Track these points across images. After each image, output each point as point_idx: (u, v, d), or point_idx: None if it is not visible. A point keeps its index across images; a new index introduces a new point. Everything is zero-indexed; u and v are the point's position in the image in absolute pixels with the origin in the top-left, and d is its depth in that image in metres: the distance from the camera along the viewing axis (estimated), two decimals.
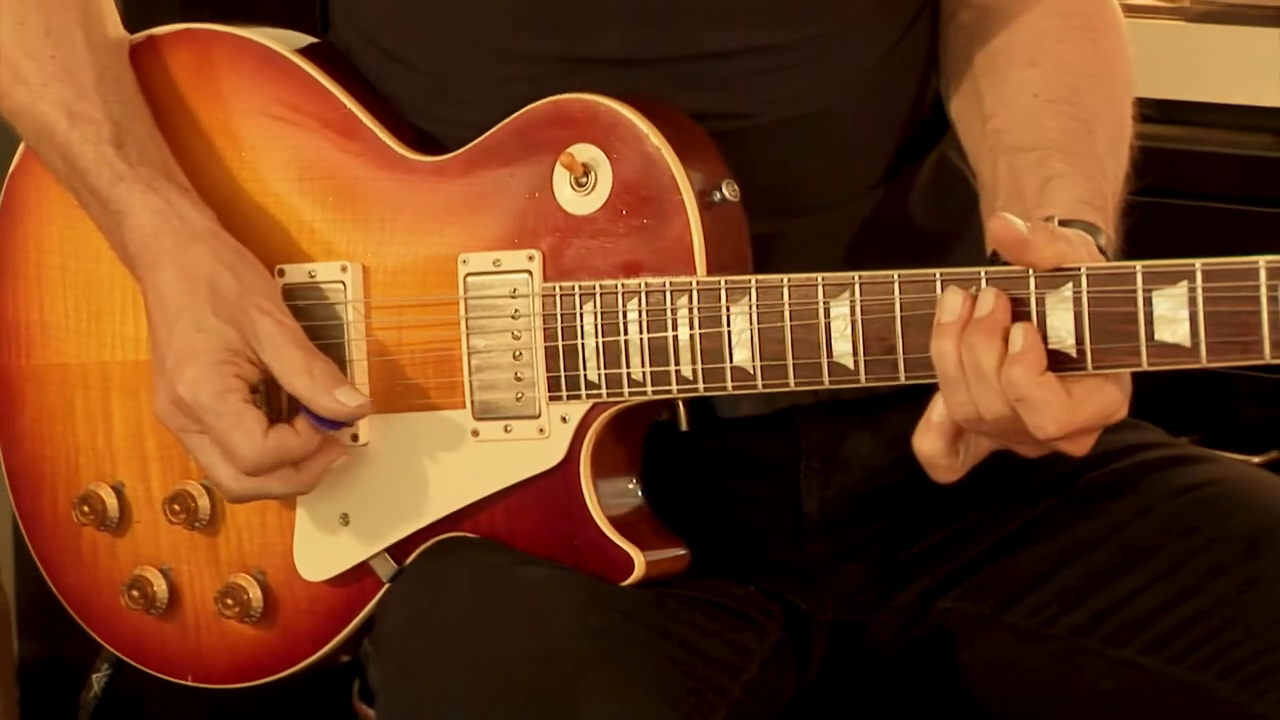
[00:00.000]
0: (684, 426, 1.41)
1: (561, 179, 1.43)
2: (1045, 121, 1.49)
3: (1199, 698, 1.43)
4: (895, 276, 1.31)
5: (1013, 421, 1.27)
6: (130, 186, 1.49)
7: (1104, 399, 1.28)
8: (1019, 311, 1.29)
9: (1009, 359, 1.25)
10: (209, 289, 1.46)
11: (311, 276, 1.50)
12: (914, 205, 1.57)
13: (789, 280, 1.37)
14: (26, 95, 1.55)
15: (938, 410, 1.28)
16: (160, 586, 1.58)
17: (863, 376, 1.33)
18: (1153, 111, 1.69)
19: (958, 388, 1.28)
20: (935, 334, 1.28)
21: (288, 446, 1.43)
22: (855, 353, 1.34)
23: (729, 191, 1.40)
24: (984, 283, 1.29)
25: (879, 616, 1.55)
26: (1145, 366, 1.24)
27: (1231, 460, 1.66)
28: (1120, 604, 1.47)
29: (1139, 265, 1.25)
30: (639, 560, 1.41)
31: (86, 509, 1.59)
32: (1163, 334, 1.25)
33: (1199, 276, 1.23)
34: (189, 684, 1.61)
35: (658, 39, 1.49)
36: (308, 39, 1.61)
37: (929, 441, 1.30)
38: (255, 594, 1.55)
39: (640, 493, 1.48)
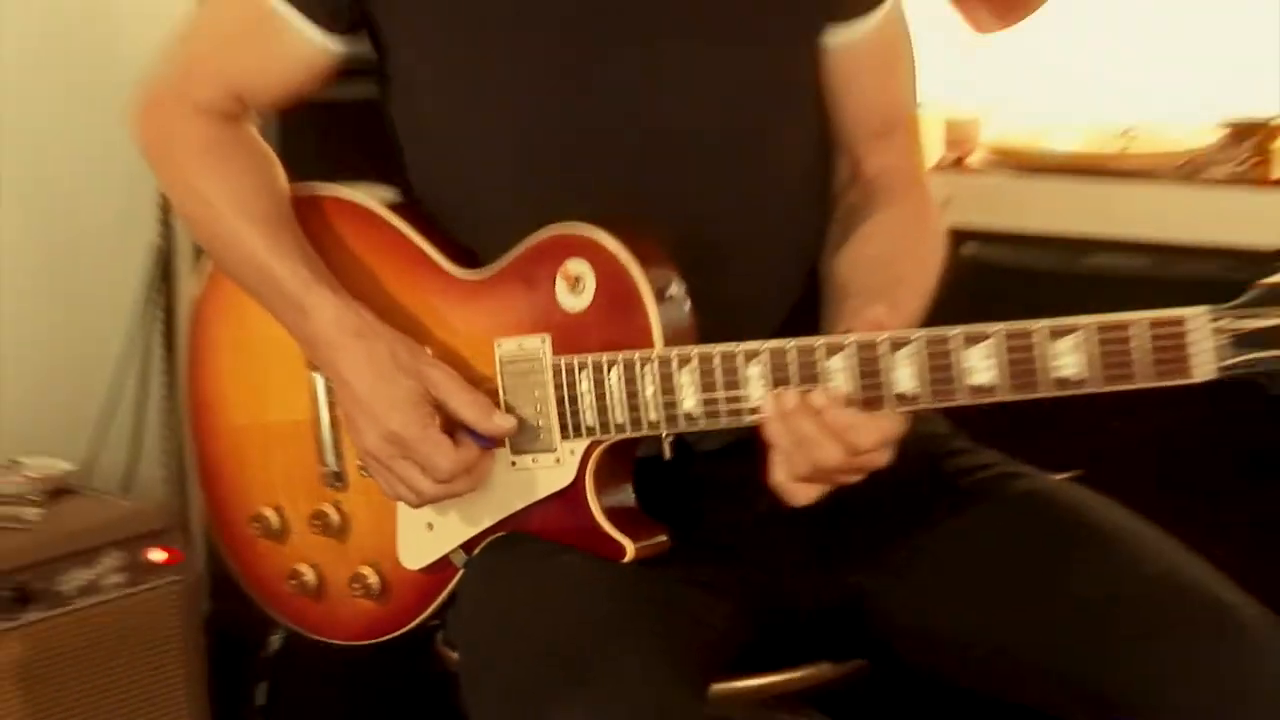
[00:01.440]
0: (667, 457, 1.58)
1: (561, 286, 1.63)
2: (876, 281, 1.69)
3: (1020, 646, 1.60)
4: (791, 344, 1.49)
5: (839, 464, 1.45)
6: (319, 292, 1.67)
7: (894, 422, 1.45)
8: (872, 370, 1.48)
9: (832, 403, 1.44)
10: (390, 358, 1.65)
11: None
12: (801, 303, 1.76)
13: (719, 350, 1.52)
14: (230, 229, 1.74)
15: (776, 463, 1.47)
16: (310, 577, 1.80)
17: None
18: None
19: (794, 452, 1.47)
20: (766, 410, 1.49)
21: (466, 459, 1.61)
22: (777, 406, 1.51)
23: (677, 290, 1.60)
24: (849, 341, 1.48)
25: (807, 587, 1.72)
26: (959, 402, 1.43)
27: (1047, 475, 1.78)
28: (963, 573, 1.65)
29: (957, 329, 1.42)
30: (630, 547, 1.58)
31: (257, 524, 1.82)
32: (977, 379, 1.43)
33: (1002, 335, 1.41)
34: (333, 642, 1.83)
35: (655, 210, 1.65)
36: (391, 193, 1.82)
37: (778, 475, 1.49)
38: (374, 580, 1.75)
39: (632, 497, 1.64)
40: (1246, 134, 2.43)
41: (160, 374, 2.77)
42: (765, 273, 1.78)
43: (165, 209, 2.67)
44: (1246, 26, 2.75)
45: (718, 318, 1.61)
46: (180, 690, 2.46)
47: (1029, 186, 2.59)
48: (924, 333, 1.47)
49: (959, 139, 2.66)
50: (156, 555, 2.41)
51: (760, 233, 1.78)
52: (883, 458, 1.48)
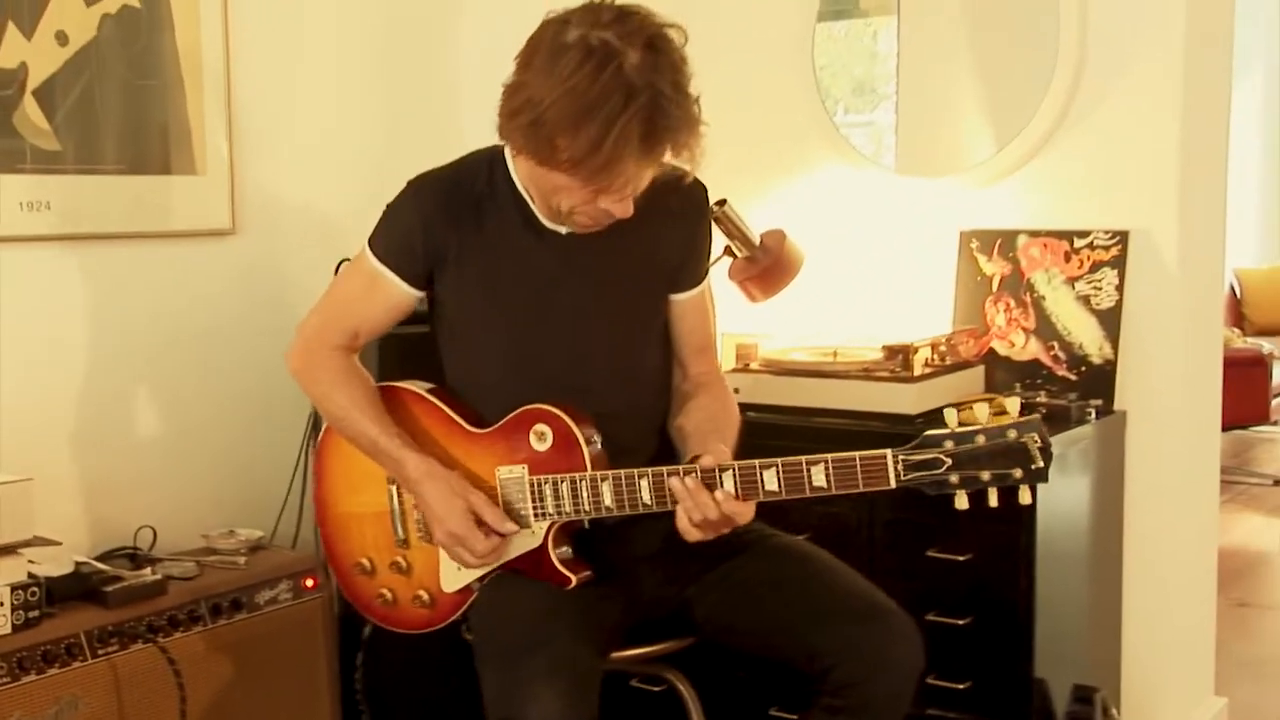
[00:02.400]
0: (585, 527, 2.19)
1: (533, 437, 2.17)
2: (703, 430, 2.24)
3: (783, 626, 2.17)
4: (658, 471, 2.08)
5: (715, 523, 2.02)
6: (406, 452, 2.20)
7: (749, 507, 2.04)
8: (750, 480, 2.02)
9: (723, 499, 2.01)
10: (449, 488, 2.17)
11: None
12: (662, 448, 2.29)
13: (624, 473, 2.10)
14: (354, 420, 2.27)
15: (679, 518, 2.04)
16: (390, 596, 2.34)
17: (654, 507, 2.09)
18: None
19: (687, 512, 2.03)
20: (680, 501, 2.03)
21: (493, 544, 2.15)
22: (651, 501, 2.09)
23: (596, 439, 2.16)
24: (689, 473, 2.03)
25: (661, 598, 2.28)
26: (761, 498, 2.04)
27: (791, 534, 2.36)
28: (743, 589, 2.21)
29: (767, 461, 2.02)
30: (572, 579, 2.17)
31: (358, 568, 2.38)
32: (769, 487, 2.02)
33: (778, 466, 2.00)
34: (400, 631, 2.39)
35: (580, 389, 2.20)
36: (425, 384, 2.36)
37: (683, 523, 2.06)
38: (426, 597, 2.29)
39: (571, 551, 2.20)
40: (897, 351, 2.98)
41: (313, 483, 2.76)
42: (639, 428, 2.30)
43: None
44: (900, 298, 3.38)
45: (614, 453, 2.16)
46: (322, 656, 2.91)
47: (785, 381, 3.07)
48: (781, 460, 2.01)
49: (745, 354, 3.13)
50: (309, 582, 2.88)
51: (635, 405, 2.30)
52: (744, 520, 2.04)
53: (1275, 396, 6.71)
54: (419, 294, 2.27)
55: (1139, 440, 3.16)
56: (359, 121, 3.42)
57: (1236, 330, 7.41)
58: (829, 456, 1.99)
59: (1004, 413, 2.83)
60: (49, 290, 2.82)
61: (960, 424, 1.97)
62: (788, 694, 3.00)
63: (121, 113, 2.90)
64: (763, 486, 2.02)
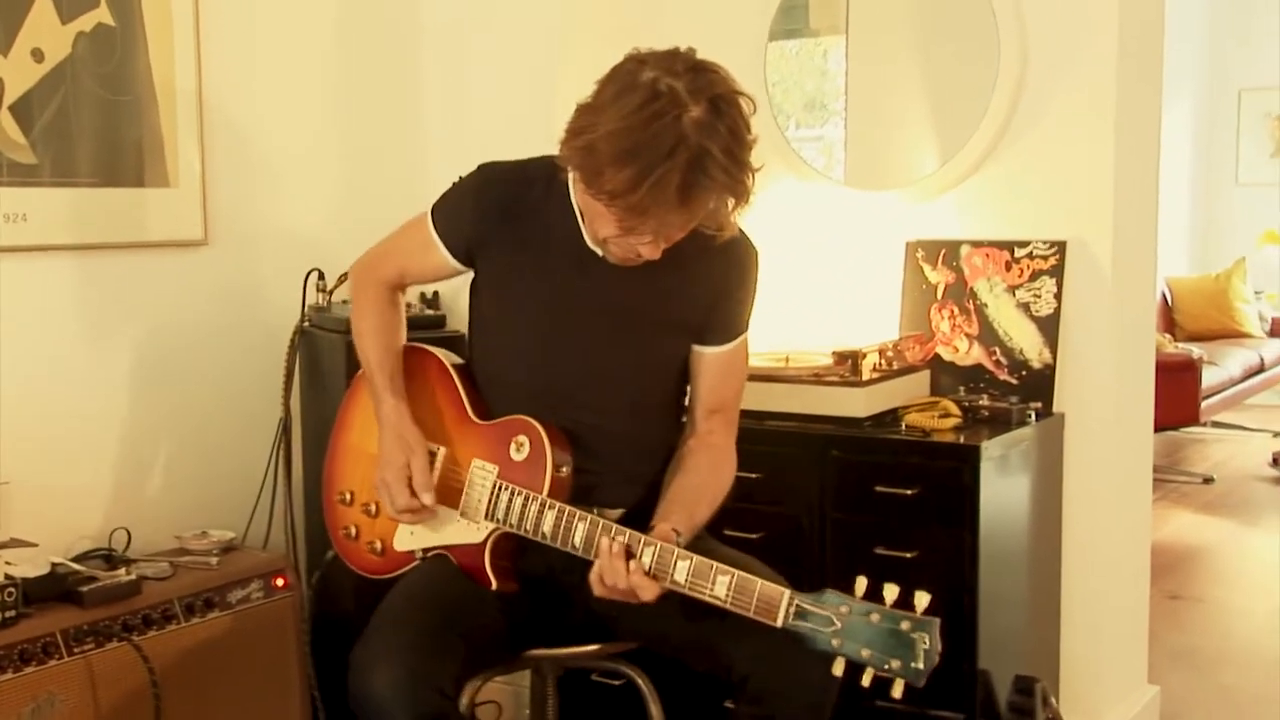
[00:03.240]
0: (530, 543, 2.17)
1: (513, 446, 2.21)
2: (685, 496, 2.21)
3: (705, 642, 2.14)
4: (595, 521, 2.09)
5: (621, 591, 2.01)
6: (387, 393, 2.29)
7: (653, 588, 2.02)
8: (664, 566, 2.02)
9: (634, 570, 2.00)
10: (399, 441, 2.24)
11: (432, 452, 2.27)
12: (647, 495, 2.25)
13: (568, 510, 2.12)
14: (365, 350, 2.34)
15: (591, 572, 2.04)
16: (353, 531, 2.40)
17: (580, 552, 2.10)
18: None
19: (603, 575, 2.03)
20: (599, 557, 2.04)
21: (411, 503, 2.21)
22: (580, 545, 2.11)
23: (566, 469, 2.17)
24: (642, 543, 2.02)
25: (590, 611, 2.25)
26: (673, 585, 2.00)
27: (714, 543, 2.29)
28: (656, 604, 2.08)
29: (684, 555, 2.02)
30: (494, 584, 2.20)
31: (339, 497, 2.43)
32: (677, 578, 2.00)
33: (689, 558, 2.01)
34: (351, 567, 2.44)
35: (578, 407, 2.23)
36: (458, 361, 2.40)
37: (594, 579, 2.06)
38: (379, 546, 2.35)
39: (508, 561, 2.23)
40: (847, 356, 3.01)
41: (283, 481, 3.17)
42: (640, 456, 2.29)
43: (287, 390, 3.12)
44: (849, 306, 3.41)
45: (593, 487, 2.19)
46: (293, 652, 2.93)
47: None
48: (695, 558, 2.00)
49: None
50: (279, 582, 2.90)
51: (637, 436, 2.30)
52: (646, 598, 2.02)
53: (1204, 399, 6.76)
54: (463, 267, 2.32)
55: (1076, 441, 3.20)
56: (327, 137, 3.43)
57: (1168, 336, 7.49)
58: (735, 572, 1.97)
59: (949, 415, 2.93)
60: (26, 299, 2.82)
61: (864, 596, 1.90)
62: None
63: (96, 128, 2.90)
64: (672, 575, 2.01)
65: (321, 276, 3.12)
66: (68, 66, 2.86)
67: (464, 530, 2.24)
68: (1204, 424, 7.12)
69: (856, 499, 2.79)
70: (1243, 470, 6.98)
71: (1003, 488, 2.93)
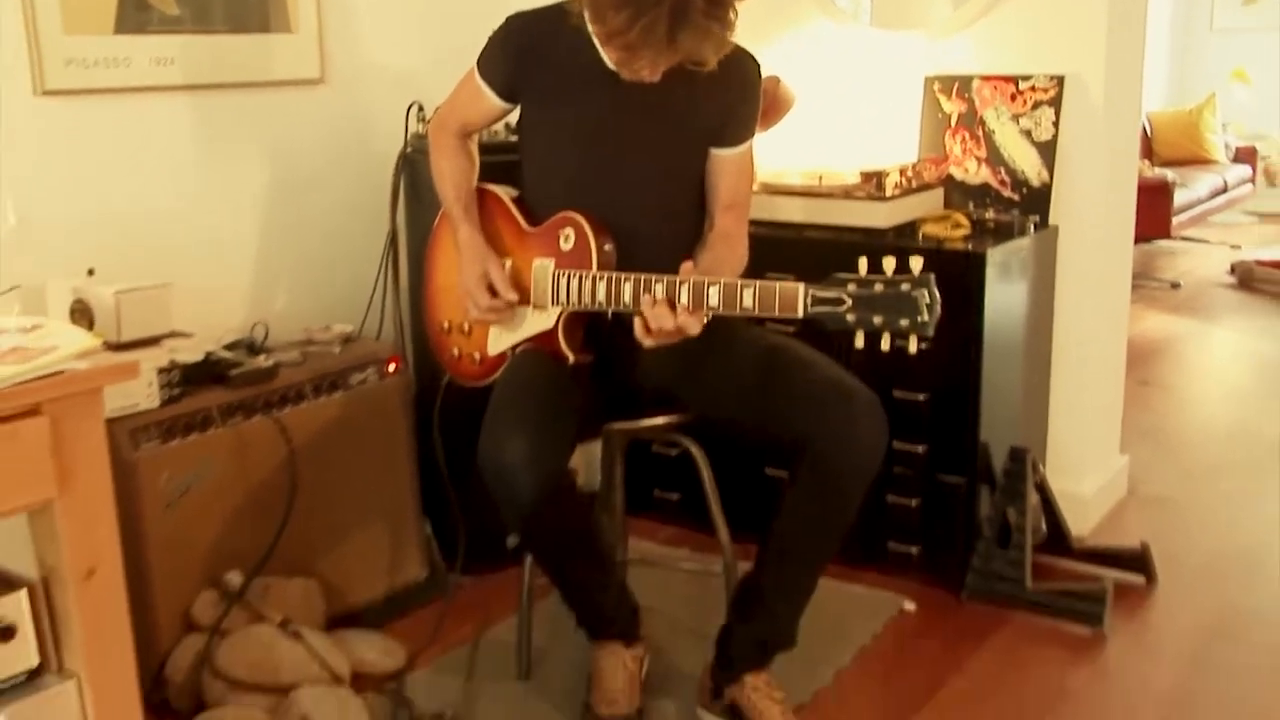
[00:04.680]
0: (609, 318, 2.19)
1: (562, 238, 2.21)
2: (706, 265, 2.18)
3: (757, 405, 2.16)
4: (637, 279, 2.05)
5: (668, 333, 1.99)
6: (465, 225, 2.30)
7: (697, 321, 1.99)
8: (700, 295, 1.97)
9: (681, 310, 1.97)
10: (478, 254, 2.26)
11: (502, 262, 2.28)
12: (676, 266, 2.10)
13: (614, 276, 2.10)
14: (443, 190, 2.36)
15: (636, 327, 2.02)
16: (457, 352, 2.42)
17: (631, 308, 2.06)
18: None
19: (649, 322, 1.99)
20: (644, 306, 2.01)
21: (489, 303, 2.22)
22: (630, 303, 2.07)
23: (609, 248, 2.18)
24: (679, 283, 1.98)
25: (661, 385, 2.31)
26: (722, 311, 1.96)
27: (768, 332, 2.27)
28: (727, 376, 2.19)
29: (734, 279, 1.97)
30: (571, 357, 2.21)
31: (441, 328, 2.46)
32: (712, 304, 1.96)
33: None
34: (460, 380, 2.46)
35: (618, 208, 2.20)
36: (514, 193, 2.39)
37: (639, 330, 2.03)
38: (478, 357, 2.37)
39: (580, 335, 2.23)
40: (873, 176, 2.95)
41: (392, 283, 3.09)
42: (668, 254, 2.18)
43: (394, 206, 3.04)
44: (874, 132, 3.34)
45: (643, 270, 2.09)
46: (402, 424, 2.90)
47: (778, 200, 3.09)
48: (723, 280, 1.97)
49: None
50: (391, 367, 2.86)
51: (666, 234, 2.28)
52: (693, 332, 2.00)
53: (1175, 216, 6.68)
54: (509, 105, 2.31)
55: (1068, 249, 3.17)
56: None
57: (1146, 161, 7.35)
58: (757, 283, 1.92)
59: (959, 226, 2.88)
60: (175, 130, 2.79)
61: (866, 271, 1.85)
62: (780, 457, 2.98)
63: None
64: (707, 301, 1.97)
65: (421, 109, 3.01)
66: None
67: (538, 320, 2.24)
68: (1174, 238, 7.01)
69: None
70: (1205, 278, 6.89)
71: (1004, 289, 2.90)
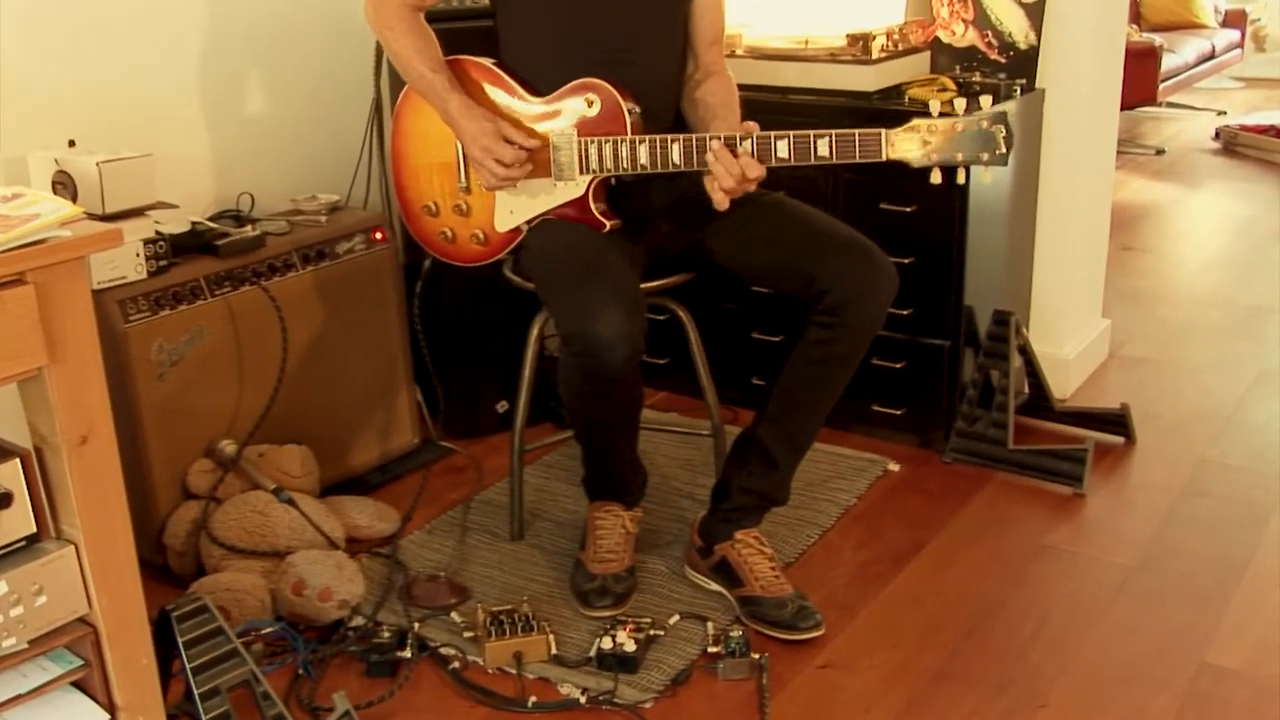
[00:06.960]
0: (614, 183, 2.18)
1: (583, 104, 2.16)
2: (722, 112, 2.22)
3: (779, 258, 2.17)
4: (687, 138, 2.05)
5: (738, 184, 2.00)
6: (454, 94, 2.18)
7: (763, 169, 2.01)
8: (765, 146, 1.99)
9: (744, 161, 1.97)
10: (482, 115, 2.17)
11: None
12: (676, 115, 2.28)
13: (658, 138, 2.09)
14: (416, 68, 2.21)
15: (708, 181, 2.02)
16: (450, 234, 2.33)
17: (682, 166, 2.07)
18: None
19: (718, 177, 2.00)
20: (712, 165, 2.01)
21: (519, 155, 2.14)
22: (680, 161, 2.07)
23: (635, 109, 2.14)
24: (710, 140, 1.99)
25: (676, 241, 2.29)
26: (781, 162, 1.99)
27: (778, 192, 2.26)
28: (744, 231, 2.21)
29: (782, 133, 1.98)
30: (607, 224, 2.17)
31: (425, 209, 2.36)
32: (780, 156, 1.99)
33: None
34: (456, 264, 2.37)
35: (621, 64, 2.17)
36: (494, 60, 2.28)
37: (716, 194, 2.04)
38: (481, 235, 2.29)
39: (607, 201, 2.20)
40: (859, 39, 2.94)
41: (377, 151, 3.04)
42: (665, 98, 2.28)
43: (377, 72, 2.96)
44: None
45: (644, 118, 2.14)
46: (390, 293, 2.87)
47: (764, 64, 3.04)
48: (791, 133, 1.98)
49: (730, 42, 2.93)
50: (378, 235, 2.81)
51: (663, 79, 2.28)
52: (759, 173, 2.00)
53: (1162, 82, 6.55)
54: None
55: (1054, 114, 3.12)
56: None
57: (1134, 26, 7.19)
58: (832, 132, 1.95)
59: (946, 90, 2.83)
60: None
61: (940, 113, 1.93)
62: (766, 321, 3.07)
63: None
64: (775, 154, 1.99)
65: None
66: None
67: (564, 190, 2.19)
68: (1160, 104, 6.91)
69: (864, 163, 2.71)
70: (1189, 144, 6.82)
71: None
